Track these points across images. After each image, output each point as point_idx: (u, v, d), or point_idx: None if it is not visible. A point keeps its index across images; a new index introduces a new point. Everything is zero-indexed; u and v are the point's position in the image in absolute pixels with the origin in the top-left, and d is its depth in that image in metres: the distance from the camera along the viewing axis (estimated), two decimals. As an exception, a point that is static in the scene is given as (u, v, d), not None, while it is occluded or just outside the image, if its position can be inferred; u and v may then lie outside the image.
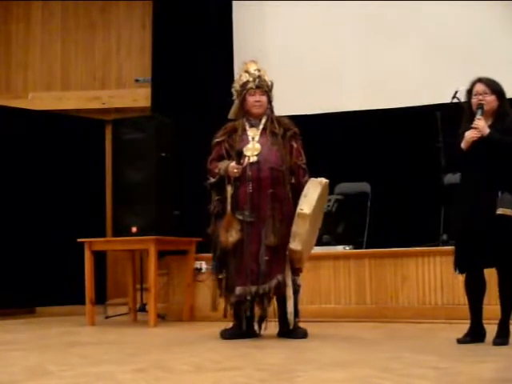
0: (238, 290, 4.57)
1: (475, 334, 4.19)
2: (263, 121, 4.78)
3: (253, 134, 4.73)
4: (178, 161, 6.42)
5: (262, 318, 4.71)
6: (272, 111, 4.85)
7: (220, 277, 4.68)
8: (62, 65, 8.17)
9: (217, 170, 4.70)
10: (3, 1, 8.17)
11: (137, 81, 7.98)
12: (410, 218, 6.59)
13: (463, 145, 4.16)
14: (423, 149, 6.58)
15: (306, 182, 4.62)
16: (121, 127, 6.29)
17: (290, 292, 4.59)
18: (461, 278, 5.51)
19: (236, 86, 4.88)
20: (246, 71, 4.85)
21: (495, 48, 6.73)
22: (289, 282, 4.59)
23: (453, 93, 6.14)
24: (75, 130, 7.38)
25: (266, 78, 4.84)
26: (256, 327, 4.73)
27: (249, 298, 4.55)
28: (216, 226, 4.69)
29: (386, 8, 7.10)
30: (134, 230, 5.97)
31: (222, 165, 4.68)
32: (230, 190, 4.64)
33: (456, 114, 6.08)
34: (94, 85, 8.10)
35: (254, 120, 4.79)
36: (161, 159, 6.12)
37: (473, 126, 4.12)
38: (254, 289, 4.54)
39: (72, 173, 7.23)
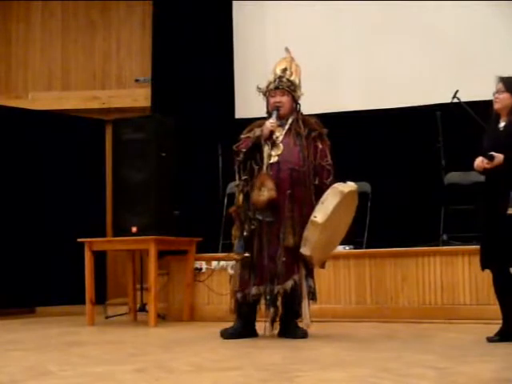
0: (254, 289, 4.57)
1: (505, 334, 4.15)
2: (289, 121, 4.75)
3: (278, 134, 4.69)
4: (178, 161, 6.42)
5: (274, 318, 4.69)
6: (298, 111, 4.80)
7: (247, 254, 4.62)
8: (61, 65, 8.17)
9: (251, 134, 4.67)
10: (3, 1, 8.17)
11: (137, 81, 7.98)
12: (410, 218, 6.59)
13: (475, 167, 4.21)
14: (423, 149, 6.59)
15: (331, 183, 4.56)
16: (121, 127, 6.29)
17: (305, 293, 4.60)
18: (461, 278, 5.55)
19: (264, 86, 4.86)
20: (273, 71, 4.82)
21: (495, 48, 6.73)
22: (303, 283, 4.59)
23: (453, 93, 6.16)
24: (75, 129, 7.38)
25: (292, 78, 4.78)
26: (258, 327, 4.73)
27: (268, 297, 4.54)
28: (243, 205, 4.65)
29: (385, 8, 7.11)
30: (134, 229, 5.96)
31: (256, 130, 4.66)
32: (267, 149, 4.60)
33: (456, 113, 6.14)
34: (93, 85, 8.10)
35: (280, 120, 4.74)
36: (161, 159, 6.11)
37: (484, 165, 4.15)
38: (271, 288, 4.53)
39: (72, 173, 7.23)
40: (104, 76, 8.13)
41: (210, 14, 7.51)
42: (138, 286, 6.48)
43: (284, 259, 4.52)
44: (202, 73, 7.40)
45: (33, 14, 8.22)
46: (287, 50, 4.92)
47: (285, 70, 4.80)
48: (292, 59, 4.86)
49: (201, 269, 6.33)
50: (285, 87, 4.74)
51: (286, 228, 4.53)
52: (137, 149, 6.10)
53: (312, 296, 4.68)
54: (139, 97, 7.86)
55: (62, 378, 3.19)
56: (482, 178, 6.18)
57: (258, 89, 4.85)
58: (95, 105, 7.97)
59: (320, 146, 4.70)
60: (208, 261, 6.28)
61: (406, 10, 7.09)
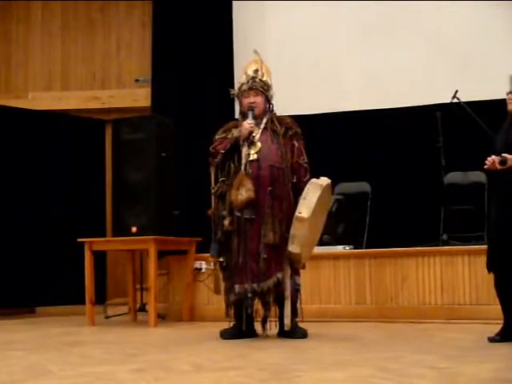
0: (237, 288, 4.56)
1: (506, 334, 4.15)
2: (264, 120, 4.77)
3: (254, 133, 4.70)
4: (178, 161, 6.42)
5: (265, 318, 4.69)
6: (272, 110, 4.84)
7: (221, 259, 4.65)
8: (62, 65, 8.18)
9: (228, 135, 4.68)
10: (3, 1, 8.18)
11: (137, 81, 7.98)
12: (410, 218, 6.60)
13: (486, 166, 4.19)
14: (423, 149, 6.59)
15: (308, 181, 4.60)
16: (121, 127, 6.28)
17: (287, 292, 4.58)
18: (461, 278, 5.55)
19: (236, 88, 4.88)
20: (245, 72, 4.86)
21: (495, 48, 6.74)
22: (287, 282, 4.58)
23: (453, 93, 6.16)
24: (75, 130, 7.39)
25: (264, 78, 4.81)
26: (259, 327, 4.72)
27: (249, 295, 4.54)
28: (218, 207, 4.65)
29: (385, 8, 7.12)
30: (134, 229, 5.96)
31: (233, 131, 4.67)
32: (245, 150, 4.62)
33: (456, 113, 6.15)
34: (93, 85, 8.11)
35: (255, 120, 4.76)
36: (161, 159, 6.12)
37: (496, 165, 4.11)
38: (253, 287, 4.53)
39: (72, 173, 7.23)
40: (104, 76, 8.14)
41: (210, 14, 7.52)
42: (138, 286, 6.48)
43: (265, 256, 4.52)
44: (202, 73, 7.41)
45: (33, 13, 8.23)
46: (256, 52, 4.93)
47: (256, 71, 4.82)
48: (262, 61, 4.89)
49: (201, 269, 6.33)
50: (258, 87, 4.77)
51: (267, 225, 4.53)
52: (137, 149, 6.10)
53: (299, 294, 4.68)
54: (139, 97, 7.88)
55: (61, 378, 3.19)
56: (482, 179, 6.25)
57: (231, 93, 4.89)
58: (95, 105, 7.98)
59: (296, 145, 4.73)
60: (208, 261, 6.27)
61: (406, 10, 7.10)
